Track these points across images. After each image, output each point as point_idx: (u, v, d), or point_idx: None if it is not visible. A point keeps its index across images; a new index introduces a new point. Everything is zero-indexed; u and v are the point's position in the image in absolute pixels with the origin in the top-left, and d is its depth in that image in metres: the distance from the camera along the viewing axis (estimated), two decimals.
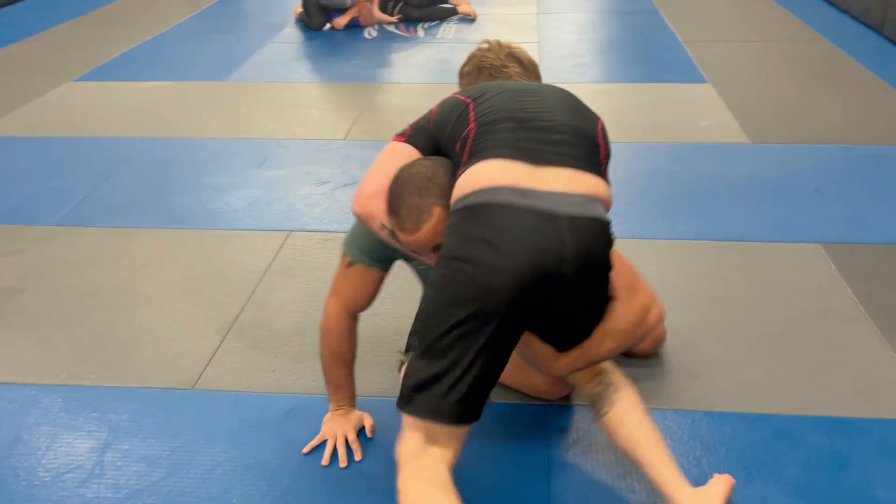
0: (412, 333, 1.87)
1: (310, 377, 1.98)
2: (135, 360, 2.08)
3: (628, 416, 1.52)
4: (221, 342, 2.14)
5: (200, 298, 2.36)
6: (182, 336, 2.18)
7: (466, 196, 1.38)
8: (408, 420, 1.39)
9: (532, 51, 4.68)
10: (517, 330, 1.41)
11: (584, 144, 1.47)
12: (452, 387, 1.34)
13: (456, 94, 1.64)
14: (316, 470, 1.70)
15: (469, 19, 5.56)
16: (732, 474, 1.59)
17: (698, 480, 1.56)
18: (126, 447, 1.78)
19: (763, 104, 3.80)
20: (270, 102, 3.99)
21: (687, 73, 4.28)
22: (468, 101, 1.56)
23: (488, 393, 1.40)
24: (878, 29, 4.83)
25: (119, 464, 1.73)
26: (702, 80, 4.14)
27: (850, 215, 2.72)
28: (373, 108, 3.94)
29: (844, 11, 5.34)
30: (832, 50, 4.59)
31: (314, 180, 3.11)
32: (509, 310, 1.32)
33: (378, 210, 1.54)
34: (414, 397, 1.37)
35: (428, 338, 1.36)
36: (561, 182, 1.38)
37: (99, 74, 4.47)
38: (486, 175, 1.38)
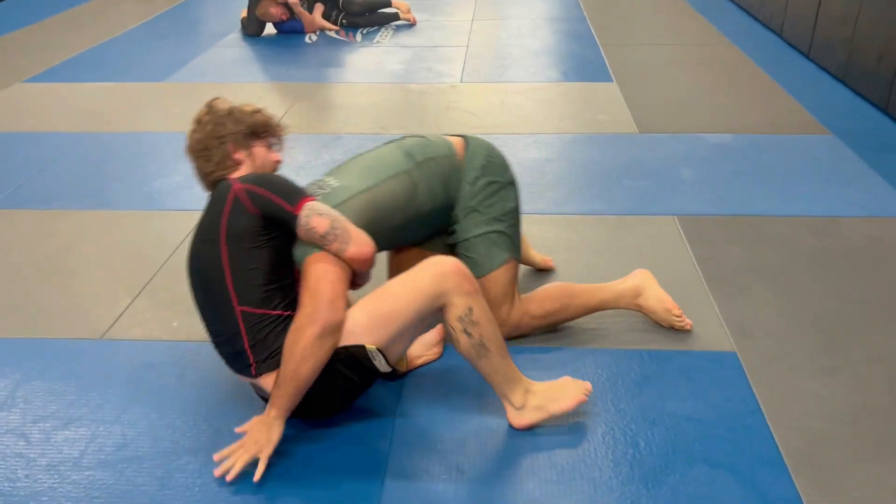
0: None
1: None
2: (51, 317, 2.35)
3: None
4: (131, 302, 2.42)
5: (117, 267, 2.63)
6: (96, 298, 2.45)
7: None
8: None
9: (459, 54, 5.05)
10: None
11: None
12: None
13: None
14: (202, 399, 1.98)
15: (407, 25, 5.88)
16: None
17: None
18: (36, 384, 2.04)
19: (659, 100, 4.15)
20: (202, 100, 4.25)
21: (598, 73, 4.63)
22: None
23: None
24: (778, 33, 5.22)
25: (29, 397, 2.00)
26: (609, 80, 4.49)
27: (704, 192, 3.06)
28: (302, 103, 4.23)
29: (754, 18, 5.74)
30: (736, 53, 4.96)
31: None
32: None
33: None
34: None
35: None
36: None
37: (47, 76, 4.72)
38: None
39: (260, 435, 1.70)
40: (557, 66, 4.80)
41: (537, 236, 2.75)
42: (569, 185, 3.18)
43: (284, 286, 1.76)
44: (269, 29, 5.66)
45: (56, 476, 1.75)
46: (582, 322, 2.26)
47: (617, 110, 4.01)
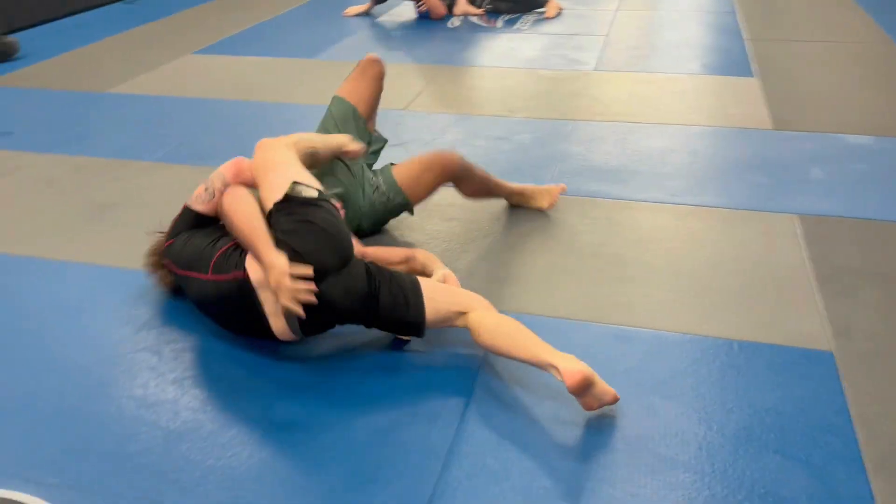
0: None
1: None
2: None
3: (484, 321, 1.97)
4: None
5: None
6: None
7: None
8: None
9: (597, 43, 5.05)
10: None
11: None
12: None
13: None
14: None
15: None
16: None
17: None
18: (172, 312, 2.34)
19: (800, 97, 3.97)
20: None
21: (738, 67, 4.48)
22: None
23: None
24: None
25: (166, 322, 2.30)
26: (749, 75, 4.34)
27: (831, 193, 2.93)
28: (436, 84, 4.41)
29: None
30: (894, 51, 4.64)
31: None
32: None
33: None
34: None
35: None
36: None
37: (213, 50, 5.20)
38: None
39: (275, 281, 1.93)
40: (696, 59, 4.69)
41: (645, 223, 2.77)
42: (687, 176, 3.14)
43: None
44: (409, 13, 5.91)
45: (180, 389, 2.02)
46: (675, 307, 2.28)
47: (752, 105, 3.88)
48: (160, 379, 2.06)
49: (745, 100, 3.98)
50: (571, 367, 1.79)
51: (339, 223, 2.07)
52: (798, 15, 5.69)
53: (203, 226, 2.30)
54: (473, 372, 2.04)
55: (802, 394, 1.93)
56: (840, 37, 5.06)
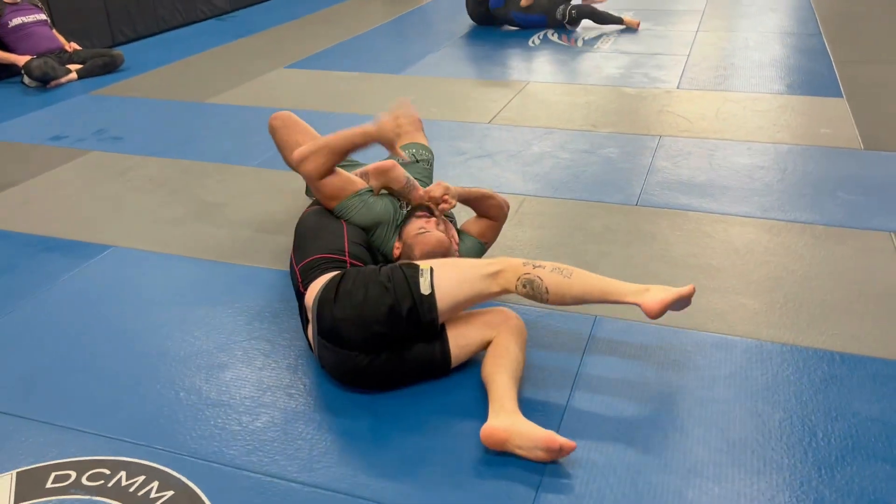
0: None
1: None
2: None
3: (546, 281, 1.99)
4: None
5: None
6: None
7: None
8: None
9: (679, 62, 5.07)
10: None
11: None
12: None
13: None
14: None
15: (630, 30, 5.99)
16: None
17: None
18: (283, 304, 2.47)
19: (892, 118, 3.91)
20: (434, 92, 4.69)
21: (826, 88, 4.44)
22: None
23: None
24: None
25: (278, 313, 2.42)
26: (838, 95, 4.30)
27: None
28: (520, 100, 4.50)
29: None
30: None
31: (455, 151, 3.73)
32: None
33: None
34: None
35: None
36: None
37: (304, 64, 5.42)
38: None
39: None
40: (782, 79, 4.67)
41: (738, 237, 2.79)
42: (778, 193, 3.14)
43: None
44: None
45: (293, 374, 2.14)
46: (772, 318, 2.29)
47: (842, 125, 3.85)
48: (275, 365, 2.18)
49: (834, 119, 3.94)
50: (649, 301, 1.94)
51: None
52: (885, 37, 5.59)
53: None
54: (573, 369, 2.09)
55: None
56: None
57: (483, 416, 1.86)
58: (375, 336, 1.94)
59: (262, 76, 5.12)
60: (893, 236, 2.75)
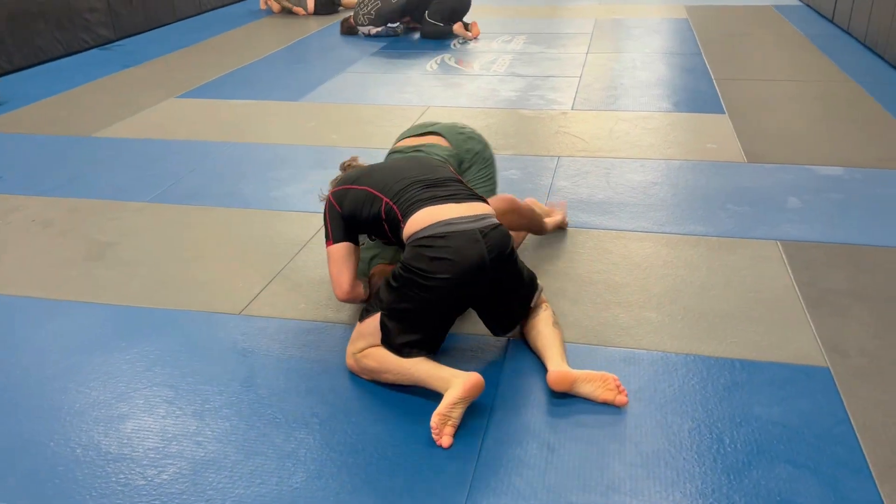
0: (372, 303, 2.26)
1: (329, 312, 2.53)
2: (198, 293, 2.68)
3: (539, 324, 2.14)
4: (266, 286, 2.72)
5: (252, 257, 2.95)
6: (234, 281, 2.77)
7: (418, 233, 2.13)
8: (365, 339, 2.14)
9: (572, 84, 5.24)
10: (461, 306, 2.17)
11: (461, 186, 2.30)
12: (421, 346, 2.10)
13: (338, 191, 2.35)
14: (322, 370, 2.24)
15: (525, 54, 6.16)
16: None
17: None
18: (185, 347, 2.36)
19: (771, 132, 4.17)
20: (334, 119, 4.65)
21: (710, 105, 4.69)
22: (363, 188, 2.29)
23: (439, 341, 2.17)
24: None
25: (179, 357, 2.31)
26: (721, 111, 4.55)
27: (810, 220, 3.09)
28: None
29: (880, 57, 5.63)
30: (856, 90, 4.90)
31: None
32: (455, 295, 2.08)
33: (357, 295, 2.36)
34: (398, 348, 2.09)
35: (408, 318, 2.09)
36: (467, 210, 2.16)
37: (197, 93, 5.26)
38: (424, 219, 2.13)
39: None
40: (668, 98, 4.90)
41: (637, 252, 2.88)
42: (672, 207, 3.28)
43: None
44: (384, 54, 6.05)
45: (201, 421, 2.04)
46: (675, 329, 2.37)
47: (726, 140, 4.07)
48: (180, 412, 2.07)
49: (718, 135, 4.17)
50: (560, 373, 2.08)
51: None
52: (760, 56, 5.98)
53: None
54: (492, 388, 2.10)
55: (805, 407, 2.02)
56: (801, 76, 5.33)
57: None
58: None
59: (152, 107, 4.94)
60: (780, 244, 2.91)
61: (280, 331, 2.44)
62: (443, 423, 1.92)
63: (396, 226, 2.20)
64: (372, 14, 6.94)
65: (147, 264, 2.90)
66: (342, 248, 2.31)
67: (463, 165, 2.79)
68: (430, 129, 2.89)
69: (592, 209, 3.26)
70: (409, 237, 2.14)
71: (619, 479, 1.80)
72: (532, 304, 2.27)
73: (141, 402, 2.12)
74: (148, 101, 5.07)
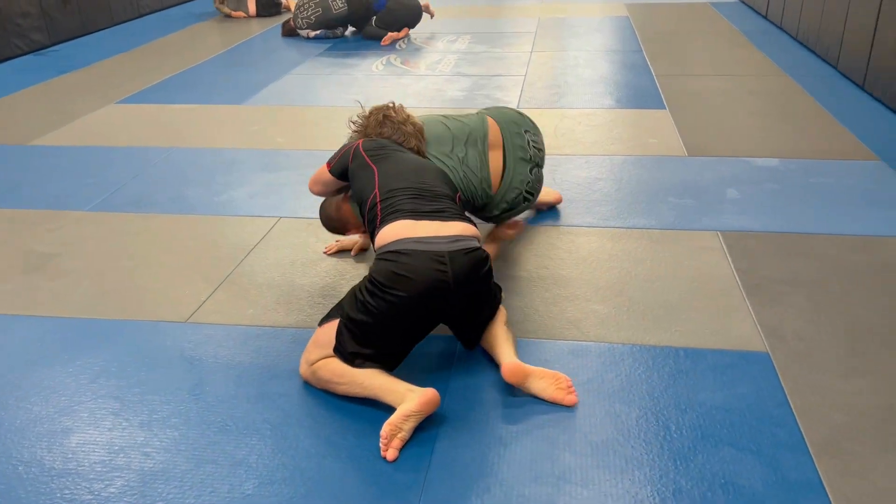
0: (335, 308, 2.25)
1: (278, 316, 2.51)
2: (143, 302, 2.63)
3: (492, 324, 2.19)
4: (212, 293, 2.68)
5: (199, 263, 2.91)
6: (180, 288, 2.72)
7: (387, 245, 2.13)
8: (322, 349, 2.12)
9: (517, 82, 5.28)
10: (424, 324, 2.13)
11: (451, 204, 2.28)
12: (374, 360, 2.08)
13: (363, 150, 2.44)
14: (271, 376, 2.22)
15: (470, 53, 6.19)
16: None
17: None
18: (131, 357, 2.31)
19: (710, 126, 4.29)
20: (279, 121, 4.61)
21: (651, 101, 4.80)
22: (374, 167, 2.36)
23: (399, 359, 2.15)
24: (834, 65, 5.30)
25: (125, 367, 2.27)
26: (662, 107, 4.65)
27: (748, 211, 3.19)
28: None
29: (811, 51, 5.83)
30: (789, 84, 5.07)
31: (306, 180, 3.66)
32: (414, 313, 2.06)
33: (317, 193, 2.65)
34: (350, 357, 2.07)
35: (364, 330, 2.06)
36: (443, 230, 2.13)
37: (138, 98, 5.15)
38: (397, 231, 2.13)
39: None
40: (611, 95, 4.99)
41: (584, 246, 2.93)
42: (616, 202, 3.34)
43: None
44: (329, 57, 6.01)
45: (148, 432, 2.00)
46: (621, 321, 2.42)
47: (667, 135, 4.17)
48: (126, 423, 2.03)
49: (659, 130, 4.26)
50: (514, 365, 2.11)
51: None
52: (698, 52, 6.13)
53: None
54: (442, 393, 2.11)
55: (745, 391, 2.09)
56: (737, 71, 5.49)
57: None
58: None
59: (91, 114, 4.81)
60: (720, 234, 2.99)
61: (228, 337, 2.41)
62: (392, 434, 1.90)
63: (373, 226, 2.22)
64: (312, 19, 6.89)
65: (89, 274, 2.83)
66: (331, 178, 2.53)
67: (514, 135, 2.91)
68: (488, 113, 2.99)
69: (540, 206, 3.31)
70: (378, 247, 2.15)
71: (570, 470, 1.83)
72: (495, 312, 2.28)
73: (86, 415, 2.07)
74: (86, 107, 4.94)
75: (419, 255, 2.04)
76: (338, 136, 4.29)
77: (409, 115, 2.66)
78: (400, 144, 2.55)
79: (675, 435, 1.93)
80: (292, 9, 7.37)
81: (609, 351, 2.29)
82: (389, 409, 1.98)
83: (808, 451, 1.86)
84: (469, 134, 2.78)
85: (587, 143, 4.09)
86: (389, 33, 6.79)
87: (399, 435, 1.91)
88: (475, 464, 1.86)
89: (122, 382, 2.20)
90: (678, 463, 1.85)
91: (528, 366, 2.09)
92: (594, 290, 2.63)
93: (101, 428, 2.02)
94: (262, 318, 2.51)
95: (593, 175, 3.66)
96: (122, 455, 1.92)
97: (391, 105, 2.67)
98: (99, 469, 1.87)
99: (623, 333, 2.38)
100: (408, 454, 1.90)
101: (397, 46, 6.65)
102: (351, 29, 7.19)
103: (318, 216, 2.77)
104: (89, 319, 2.53)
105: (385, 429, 1.90)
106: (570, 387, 2.08)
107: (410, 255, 2.04)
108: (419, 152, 2.60)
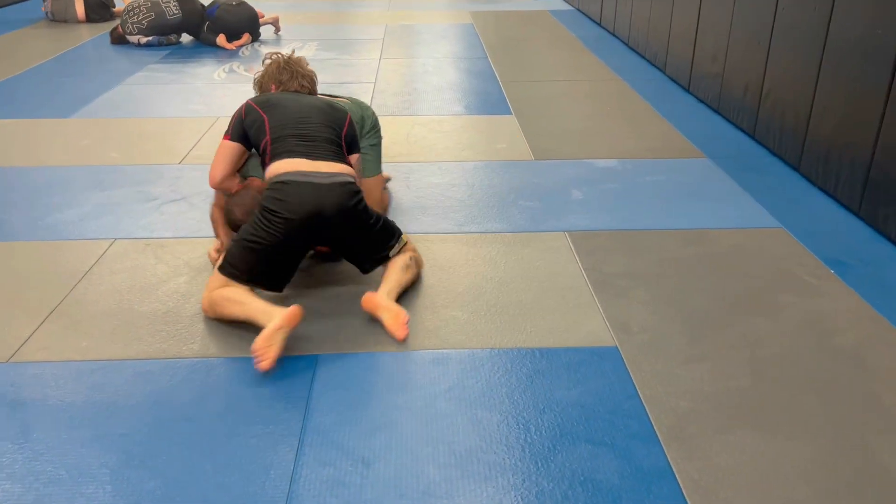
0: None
1: (118, 349, 2.32)
2: None
3: (391, 264, 2.63)
4: (38, 326, 2.43)
5: (21, 295, 2.64)
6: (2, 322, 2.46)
7: (274, 177, 2.50)
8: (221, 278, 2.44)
9: (367, 90, 5.25)
10: (301, 248, 2.52)
11: (332, 147, 2.63)
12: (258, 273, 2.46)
13: (253, 103, 2.70)
14: (111, 415, 2.04)
15: (315, 59, 6.06)
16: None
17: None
18: None
19: (553, 130, 4.45)
20: (113, 135, 4.30)
21: (498, 107, 4.91)
22: (264, 115, 2.64)
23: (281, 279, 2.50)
24: (662, 69, 5.68)
25: None
26: (508, 113, 4.78)
27: (592, 210, 3.33)
28: (210, 137, 4.31)
29: (642, 56, 6.21)
30: (624, 87, 5.37)
31: (144, 198, 3.44)
32: (295, 236, 2.43)
33: (226, 188, 2.72)
34: (231, 270, 2.43)
35: (251, 248, 2.42)
36: (323, 167, 2.51)
37: None
38: (282, 167, 2.51)
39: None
40: (460, 101, 5.07)
41: (440, 253, 2.94)
42: (469, 207, 3.38)
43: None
44: (163, 67, 5.71)
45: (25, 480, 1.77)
46: (480, 326, 2.44)
47: (515, 140, 4.28)
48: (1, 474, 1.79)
49: (507, 135, 4.37)
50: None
51: None
52: (539, 59, 6.37)
53: None
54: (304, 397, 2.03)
55: (598, 386, 2.16)
56: (576, 76, 5.75)
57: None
58: None
59: None
60: (567, 235, 3.10)
61: (58, 376, 2.19)
62: (267, 345, 2.15)
63: (265, 165, 2.58)
64: (143, 24, 6.50)
65: None
66: (231, 146, 2.67)
67: (365, 125, 3.13)
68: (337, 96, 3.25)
69: (395, 214, 3.28)
70: (268, 179, 2.51)
71: (435, 483, 1.81)
72: (391, 253, 2.61)
73: None
74: None
75: (301, 185, 2.43)
76: (177, 149, 4.08)
77: (306, 60, 3.02)
78: (300, 87, 2.86)
79: (535, 436, 1.96)
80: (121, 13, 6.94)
81: (469, 357, 2.30)
82: (243, 433, 1.88)
83: (658, 440, 1.95)
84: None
85: (439, 150, 4.12)
86: (221, 34, 6.58)
87: (273, 346, 2.16)
88: (339, 486, 1.80)
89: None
90: (539, 464, 1.87)
91: (383, 300, 2.44)
92: (453, 296, 2.64)
93: None
94: (98, 352, 2.31)
95: (447, 181, 3.68)
96: None
97: (291, 52, 3.02)
98: None
99: (482, 338, 2.39)
100: (267, 477, 1.80)
101: (240, 53, 6.43)
102: (188, 37, 6.87)
103: (157, 236, 2.61)
104: None
105: (258, 342, 2.16)
106: (405, 323, 2.39)
107: (293, 185, 2.43)
108: (311, 93, 2.91)
